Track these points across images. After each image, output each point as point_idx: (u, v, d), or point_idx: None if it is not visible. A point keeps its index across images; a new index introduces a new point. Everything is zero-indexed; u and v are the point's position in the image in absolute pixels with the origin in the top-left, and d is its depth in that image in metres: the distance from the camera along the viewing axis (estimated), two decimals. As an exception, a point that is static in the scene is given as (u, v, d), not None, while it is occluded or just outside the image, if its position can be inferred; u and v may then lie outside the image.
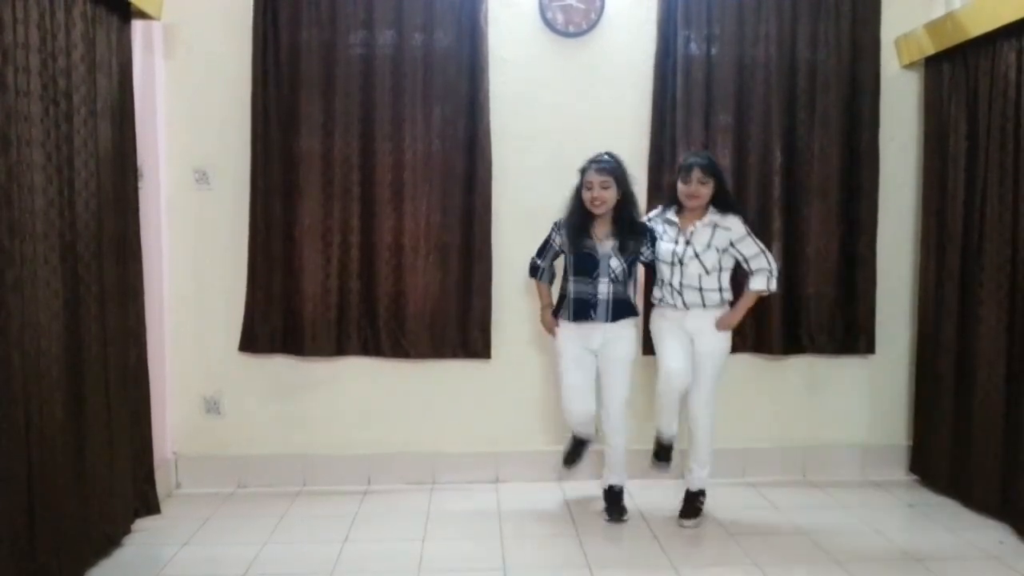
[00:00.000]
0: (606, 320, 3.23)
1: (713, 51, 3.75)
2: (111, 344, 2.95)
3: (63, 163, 2.65)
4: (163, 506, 3.40)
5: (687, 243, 3.21)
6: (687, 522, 3.29)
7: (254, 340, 3.67)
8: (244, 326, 3.68)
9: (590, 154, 3.27)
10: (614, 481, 3.40)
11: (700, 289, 3.21)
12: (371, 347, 3.73)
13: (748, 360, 3.91)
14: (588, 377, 3.31)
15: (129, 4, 3.07)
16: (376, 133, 3.64)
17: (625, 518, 3.36)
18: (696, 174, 3.18)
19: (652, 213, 3.43)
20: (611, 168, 3.20)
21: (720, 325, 3.25)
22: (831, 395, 3.99)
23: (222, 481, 3.74)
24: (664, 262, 3.26)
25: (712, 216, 3.22)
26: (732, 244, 3.21)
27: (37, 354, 2.49)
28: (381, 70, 3.62)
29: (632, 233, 3.24)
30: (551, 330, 3.39)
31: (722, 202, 3.24)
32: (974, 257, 3.47)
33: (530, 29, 3.76)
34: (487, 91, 3.66)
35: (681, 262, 3.21)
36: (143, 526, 3.22)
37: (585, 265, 3.23)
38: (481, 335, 3.74)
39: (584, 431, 3.40)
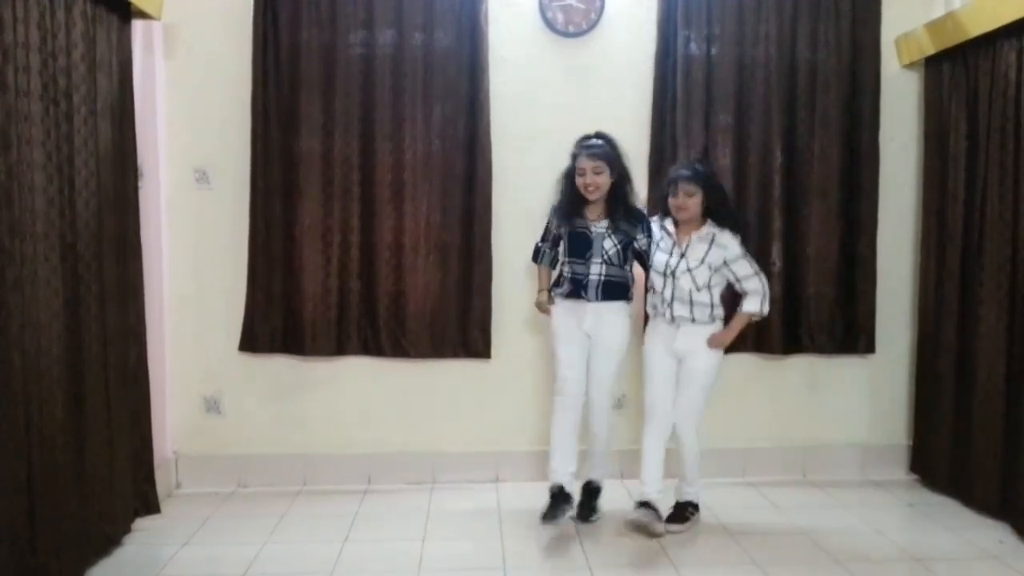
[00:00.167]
0: (597, 299, 3.19)
1: (713, 51, 3.75)
2: (111, 343, 2.95)
3: (63, 162, 2.65)
4: (163, 506, 3.40)
5: (681, 256, 3.18)
6: (672, 526, 3.22)
7: (254, 340, 3.67)
8: (244, 326, 3.68)
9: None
10: (594, 476, 3.39)
11: (690, 303, 3.18)
12: (371, 347, 3.73)
13: (748, 360, 3.92)
14: (581, 353, 3.25)
15: (129, 4, 3.07)
16: (376, 133, 3.64)
17: (593, 519, 3.33)
18: (682, 187, 3.16)
19: (652, 220, 3.37)
20: (603, 152, 3.16)
21: (712, 343, 3.20)
22: (831, 395, 3.99)
23: (222, 481, 3.74)
24: (657, 272, 3.24)
25: (709, 229, 3.18)
26: (726, 263, 3.17)
27: (37, 353, 2.49)
28: (381, 70, 3.63)
29: (627, 215, 3.21)
30: (545, 310, 3.37)
31: (718, 214, 3.19)
32: (974, 257, 3.47)
33: (530, 29, 3.76)
34: (487, 91, 3.66)
35: (673, 275, 3.18)
36: (143, 526, 3.22)
37: (578, 246, 3.22)
38: (481, 335, 3.74)
39: (564, 453, 3.24)
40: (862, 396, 4.02)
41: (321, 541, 3.13)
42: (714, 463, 3.87)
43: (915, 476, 3.93)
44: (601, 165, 3.15)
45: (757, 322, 3.80)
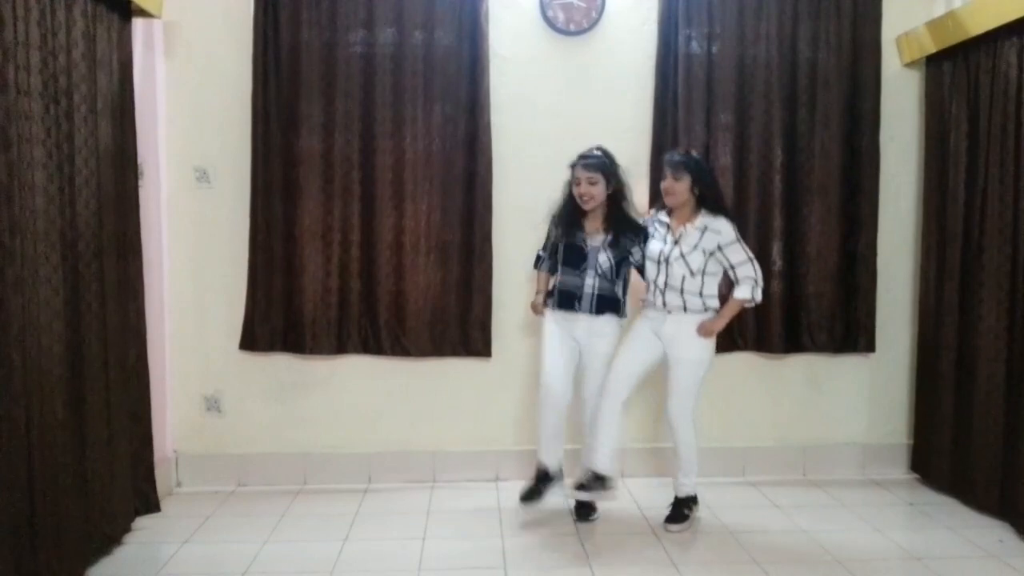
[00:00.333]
0: (590, 312, 3.21)
1: (714, 50, 3.75)
2: (111, 343, 2.95)
3: (64, 161, 2.65)
4: (163, 504, 3.40)
5: (675, 243, 3.18)
6: (672, 527, 3.24)
7: (254, 339, 3.67)
8: (244, 324, 3.68)
9: None
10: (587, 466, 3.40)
11: (682, 291, 3.16)
12: (371, 346, 3.73)
13: (748, 359, 3.92)
14: (569, 362, 3.28)
15: (129, 2, 3.07)
16: (376, 132, 3.64)
17: (592, 518, 3.35)
18: (670, 171, 3.17)
19: (652, 217, 3.39)
20: (598, 164, 3.19)
21: (700, 330, 3.16)
22: (831, 394, 3.99)
23: (222, 480, 3.74)
24: (651, 260, 3.23)
25: (704, 218, 3.16)
26: (720, 248, 3.14)
27: (38, 352, 2.49)
28: (381, 69, 3.62)
29: (625, 229, 3.23)
30: (538, 311, 3.39)
31: (710, 203, 3.19)
32: (974, 256, 3.47)
33: (531, 28, 3.76)
34: (487, 90, 3.66)
35: (667, 261, 3.17)
36: (143, 524, 3.22)
37: (573, 257, 3.24)
38: (481, 334, 3.74)
39: (551, 444, 3.31)
40: (862, 396, 4.02)
41: (321, 540, 3.13)
42: (714, 462, 3.88)
43: (915, 475, 3.93)
44: (595, 176, 3.17)
45: (757, 322, 3.83)
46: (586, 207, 3.21)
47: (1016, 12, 3.12)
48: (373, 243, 3.68)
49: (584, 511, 3.35)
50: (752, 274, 3.16)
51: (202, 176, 3.69)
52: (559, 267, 3.28)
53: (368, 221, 3.67)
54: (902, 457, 3.99)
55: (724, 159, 3.78)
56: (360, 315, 3.71)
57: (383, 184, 3.66)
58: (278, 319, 3.67)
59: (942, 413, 3.67)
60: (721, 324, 3.19)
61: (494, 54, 3.69)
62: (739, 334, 3.85)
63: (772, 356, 3.91)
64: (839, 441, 4.00)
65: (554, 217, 3.33)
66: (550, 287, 3.36)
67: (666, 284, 3.18)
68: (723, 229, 3.14)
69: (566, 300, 3.24)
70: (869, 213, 3.84)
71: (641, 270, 3.30)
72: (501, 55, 3.72)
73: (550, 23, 3.74)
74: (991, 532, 3.24)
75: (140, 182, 3.29)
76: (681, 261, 3.14)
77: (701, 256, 3.14)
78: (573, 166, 3.24)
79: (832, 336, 3.88)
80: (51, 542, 2.54)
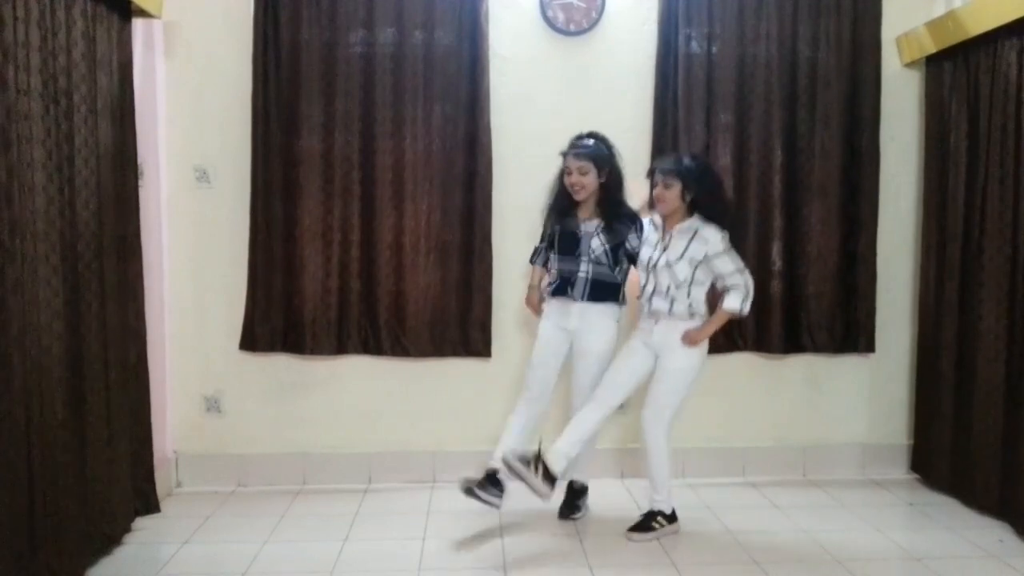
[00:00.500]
0: (582, 299, 3.18)
1: (714, 49, 3.75)
2: (111, 343, 2.95)
3: (63, 161, 2.65)
4: (163, 505, 3.40)
5: (663, 250, 3.11)
6: (634, 535, 3.13)
7: (254, 339, 3.67)
8: (244, 325, 3.68)
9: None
10: (577, 476, 3.40)
11: (669, 299, 3.09)
12: (371, 346, 3.73)
13: (748, 359, 3.92)
14: (555, 364, 3.25)
15: (129, 2, 3.07)
16: (376, 132, 3.64)
17: (576, 516, 3.34)
18: (659, 178, 3.09)
19: (647, 217, 3.34)
20: (589, 153, 3.15)
21: (685, 339, 3.07)
22: (831, 394, 3.99)
23: (222, 480, 3.74)
24: (641, 267, 3.19)
25: (693, 223, 3.08)
26: (708, 258, 3.04)
27: (38, 353, 2.49)
28: (381, 69, 3.62)
29: (617, 216, 3.19)
30: (535, 309, 3.39)
31: (708, 209, 3.09)
32: (974, 257, 3.47)
33: (531, 28, 3.76)
34: (487, 90, 3.66)
35: (655, 268, 3.12)
36: (143, 525, 3.22)
37: (567, 244, 3.21)
38: (481, 334, 3.74)
39: (507, 457, 3.03)
40: (862, 396, 4.01)
41: (321, 540, 3.13)
42: (714, 462, 3.89)
43: (915, 476, 3.93)
44: (586, 165, 3.14)
45: (757, 322, 3.83)
46: (577, 197, 3.18)
47: (1016, 12, 3.12)
48: (373, 243, 3.68)
49: (567, 510, 3.35)
50: (742, 285, 3.07)
51: (202, 176, 3.69)
52: (555, 255, 3.26)
53: (368, 221, 3.67)
54: (902, 457, 3.99)
55: (724, 159, 3.78)
56: (360, 315, 3.71)
57: (383, 184, 3.66)
58: (278, 319, 3.67)
59: (942, 413, 3.67)
60: (706, 334, 3.11)
61: (494, 54, 3.69)
62: (739, 334, 3.85)
63: (772, 356, 3.91)
64: (839, 441, 4.00)
65: (549, 207, 3.31)
66: (548, 279, 3.34)
67: (654, 291, 3.13)
68: (711, 239, 3.04)
69: (560, 286, 3.23)
70: (869, 213, 3.84)
71: (636, 257, 3.22)
72: (501, 55, 3.72)
73: (550, 23, 3.74)
74: (991, 532, 3.24)
75: (140, 182, 3.29)
76: (668, 270, 3.08)
77: (688, 266, 3.06)
78: (564, 155, 3.21)
79: (832, 336, 3.88)
80: (51, 542, 2.54)
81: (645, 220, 3.28)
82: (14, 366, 2.38)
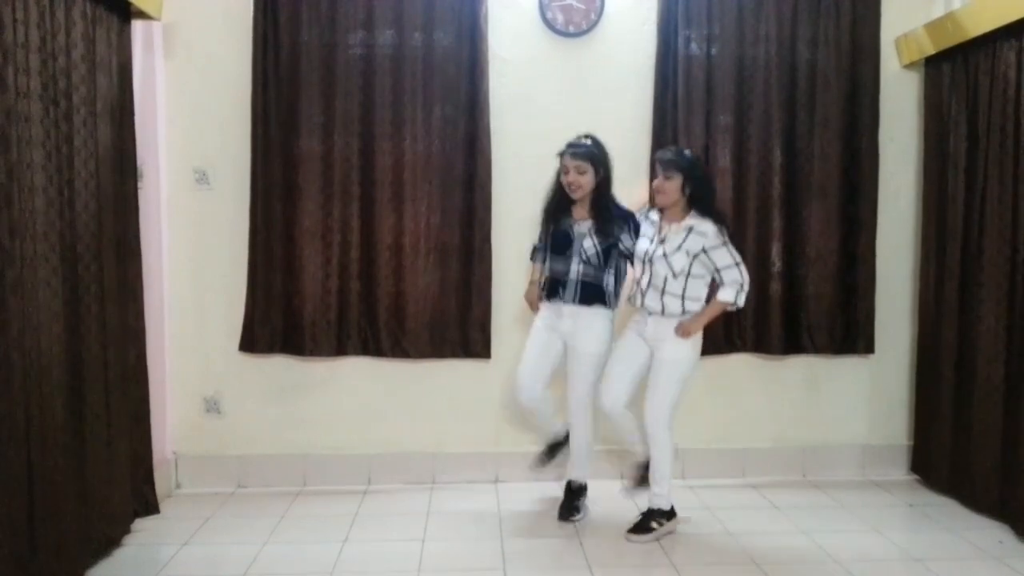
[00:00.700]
0: (573, 301, 3.19)
1: (713, 51, 3.75)
2: (111, 344, 2.95)
3: (63, 163, 2.65)
4: (163, 506, 3.40)
5: (661, 242, 3.12)
6: (633, 536, 3.14)
7: (254, 340, 3.67)
8: (244, 326, 3.68)
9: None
10: (573, 476, 3.40)
11: (663, 292, 3.09)
12: (371, 347, 3.73)
13: (748, 360, 3.92)
14: (546, 362, 3.28)
15: (129, 4, 3.07)
16: (376, 133, 3.64)
17: (575, 518, 3.33)
18: (660, 169, 3.11)
19: (643, 212, 3.34)
20: (586, 153, 3.17)
21: (679, 330, 3.08)
22: (831, 395, 3.99)
23: (222, 481, 3.74)
24: (637, 258, 3.20)
25: (691, 220, 3.09)
26: (705, 251, 3.05)
27: (37, 354, 2.49)
28: (381, 70, 3.63)
29: (610, 218, 3.19)
30: (533, 305, 3.40)
31: (700, 204, 3.09)
32: (974, 257, 3.47)
33: (530, 29, 3.76)
34: (487, 91, 3.66)
35: (650, 261, 3.12)
36: (143, 526, 3.22)
37: (560, 243, 3.23)
38: (481, 335, 3.74)
39: (540, 419, 3.45)
40: (862, 396, 4.01)
41: (321, 541, 3.13)
42: (714, 464, 3.89)
43: (915, 476, 3.93)
44: (584, 165, 3.15)
45: (757, 322, 3.83)
46: (574, 196, 3.19)
47: (1015, 14, 3.12)
48: (373, 244, 3.68)
49: (565, 509, 3.35)
50: (738, 278, 3.08)
51: (202, 177, 3.69)
52: (548, 254, 3.28)
53: (368, 222, 3.67)
54: (902, 458, 3.99)
55: (723, 160, 3.78)
56: (360, 316, 3.71)
57: (383, 185, 3.66)
58: (278, 320, 3.67)
59: (942, 414, 3.67)
60: (700, 324, 3.11)
61: (494, 55, 3.69)
62: (738, 335, 3.85)
63: (772, 357, 3.91)
64: (839, 442, 3.99)
65: (545, 207, 3.32)
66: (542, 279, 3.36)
67: (648, 284, 3.13)
68: (708, 231, 3.05)
69: (553, 288, 3.24)
70: (868, 214, 3.84)
71: (631, 258, 3.23)
72: (501, 56, 3.72)
73: (549, 24, 3.74)
74: (991, 533, 3.24)
75: (140, 183, 3.29)
76: (663, 261, 3.08)
77: (684, 257, 3.06)
78: (562, 155, 3.22)
79: (832, 337, 3.88)
80: (50, 544, 2.54)
81: (640, 216, 3.29)
82: (14, 367, 2.38)
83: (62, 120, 2.64)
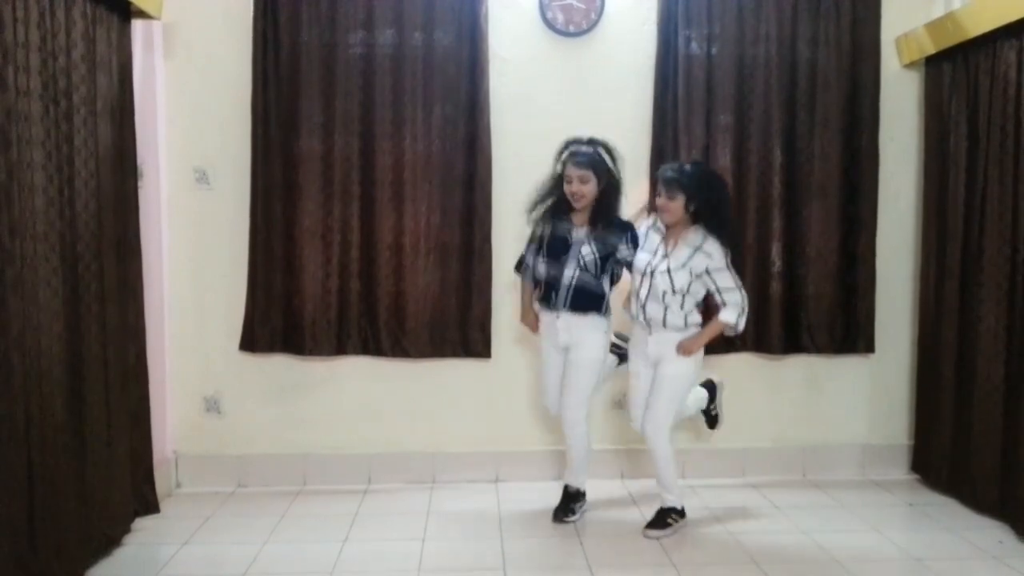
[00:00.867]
0: (565, 307, 3.16)
1: (714, 51, 3.75)
2: (111, 343, 2.95)
3: (63, 162, 2.65)
4: (163, 505, 3.40)
5: (665, 256, 3.11)
6: (651, 532, 3.18)
7: (254, 340, 3.67)
8: (244, 325, 3.68)
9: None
10: (568, 480, 3.40)
11: (664, 306, 3.09)
12: (371, 346, 3.73)
13: (748, 360, 3.92)
14: (559, 376, 3.30)
15: (129, 3, 3.07)
16: (376, 133, 3.64)
17: (569, 519, 3.32)
18: (663, 189, 3.08)
19: (646, 223, 3.31)
20: (590, 161, 3.12)
21: (680, 348, 3.10)
22: (831, 395, 3.99)
23: (222, 481, 3.74)
24: (637, 270, 3.17)
25: (698, 237, 3.08)
26: (708, 272, 3.06)
27: (37, 353, 2.49)
28: (381, 70, 3.63)
29: (610, 225, 3.16)
30: (532, 328, 3.39)
31: (709, 220, 3.07)
32: (974, 257, 3.47)
33: (530, 29, 3.76)
34: (487, 91, 3.66)
35: (652, 273, 3.10)
36: (143, 525, 3.22)
37: (556, 247, 3.18)
38: (481, 335, 3.74)
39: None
40: (862, 396, 4.01)
41: (321, 541, 3.13)
42: (714, 463, 3.89)
43: (915, 476, 3.93)
44: (587, 174, 3.11)
45: (757, 322, 3.82)
46: (577, 206, 3.16)
47: (1015, 13, 3.12)
48: (373, 244, 3.68)
49: (560, 511, 3.35)
50: (739, 301, 3.10)
51: (202, 177, 3.69)
52: (544, 258, 3.21)
53: (368, 222, 3.67)
54: (902, 458, 3.99)
55: (724, 160, 3.78)
56: (360, 316, 3.71)
57: (383, 185, 3.66)
58: (278, 320, 3.67)
59: (942, 413, 3.67)
60: (700, 343, 3.13)
61: (494, 55, 3.69)
62: (738, 335, 3.84)
63: (772, 357, 3.91)
64: (839, 442, 3.99)
65: (540, 212, 3.24)
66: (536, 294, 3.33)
67: (648, 297, 3.12)
68: (714, 253, 3.05)
69: (547, 293, 3.22)
70: (868, 213, 3.84)
71: (629, 267, 3.21)
72: (501, 56, 3.72)
73: (549, 24, 3.74)
74: (991, 533, 3.24)
75: (140, 183, 3.29)
76: (666, 276, 3.07)
77: (687, 275, 3.06)
78: (564, 162, 3.17)
79: (832, 337, 3.88)
80: (51, 543, 2.54)
81: (642, 226, 3.27)
82: (14, 367, 2.38)
83: (62, 119, 2.64)
